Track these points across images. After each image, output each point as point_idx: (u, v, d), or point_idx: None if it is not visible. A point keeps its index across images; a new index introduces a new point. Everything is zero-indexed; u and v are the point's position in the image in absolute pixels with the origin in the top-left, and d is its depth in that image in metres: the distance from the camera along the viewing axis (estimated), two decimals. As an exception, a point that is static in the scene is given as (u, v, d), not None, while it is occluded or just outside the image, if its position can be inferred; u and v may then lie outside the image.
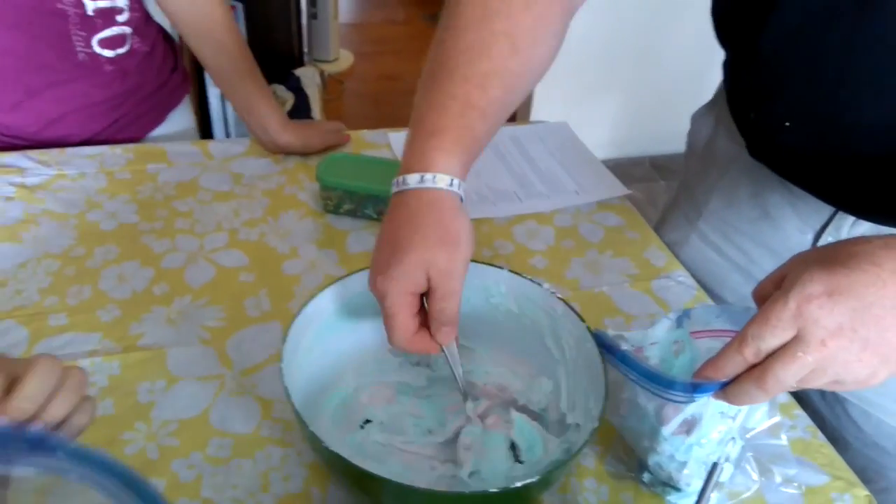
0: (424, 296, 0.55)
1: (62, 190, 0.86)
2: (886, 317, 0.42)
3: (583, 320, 0.58)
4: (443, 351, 0.57)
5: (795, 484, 0.60)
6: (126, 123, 1.00)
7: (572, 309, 0.59)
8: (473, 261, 0.63)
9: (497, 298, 0.64)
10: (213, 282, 0.76)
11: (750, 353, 0.44)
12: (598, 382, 0.54)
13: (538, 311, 0.62)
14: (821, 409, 0.74)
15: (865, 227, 0.66)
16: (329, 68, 2.74)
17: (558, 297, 0.60)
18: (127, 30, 0.93)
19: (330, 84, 2.70)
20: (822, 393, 0.75)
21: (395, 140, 1.02)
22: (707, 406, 0.53)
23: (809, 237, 0.71)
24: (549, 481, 0.53)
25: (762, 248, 0.76)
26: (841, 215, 0.67)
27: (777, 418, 0.58)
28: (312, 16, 2.62)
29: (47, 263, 0.76)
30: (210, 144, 0.95)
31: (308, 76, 2.20)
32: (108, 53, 0.92)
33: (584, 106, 2.45)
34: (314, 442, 0.49)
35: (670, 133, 1.51)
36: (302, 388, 0.57)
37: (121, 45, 0.93)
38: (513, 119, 1.41)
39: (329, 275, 0.77)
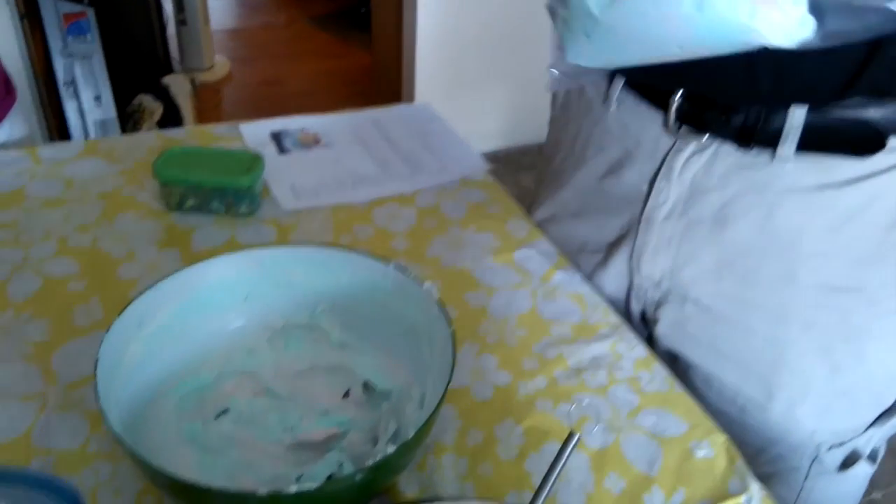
0: None
1: None
2: None
3: (450, 326, 0.54)
4: None
5: (654, 435, 0.60)
6: None
7: (444, 313, 0.55)
8: (360, 252, 0.60)
9: (381, 294, 0.60)
10: (38, 293, 0.69)
11: None
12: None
13: (419, 312, 0.58)
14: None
15: (698, 166, 0.66)
16: (205, 76, 2.64)
17: (435, 300, 0.56)
18: None
19: (205, 92, 2.60)
20: (675, 360, 0.74)
21: (249, 132, 0.98)
22: None
23: (644, 188, 0.71)
24: (402, 465, 0.51)
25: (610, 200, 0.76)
26: (673, 152, 0.67)
27: None
28: (181, 22, 2.52)
29: None
30: (39, 149, 0.88)
31: (177, 84, 2.11)
32: None
33: (470, 97, 2.46)
34: (115, 437, 0.45)
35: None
36: (140, 380, 0.54)
37: None
38: (382, 102, 1.38)
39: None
